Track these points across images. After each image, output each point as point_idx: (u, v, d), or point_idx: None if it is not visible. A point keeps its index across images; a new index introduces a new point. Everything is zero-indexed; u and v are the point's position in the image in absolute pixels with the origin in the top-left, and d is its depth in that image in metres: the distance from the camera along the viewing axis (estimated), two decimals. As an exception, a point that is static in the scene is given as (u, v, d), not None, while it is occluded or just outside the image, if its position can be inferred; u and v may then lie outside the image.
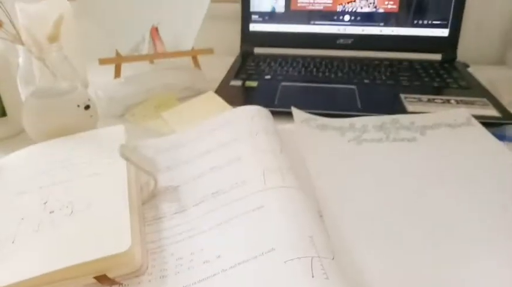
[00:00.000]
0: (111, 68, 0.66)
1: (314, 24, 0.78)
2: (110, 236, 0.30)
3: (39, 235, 0.31)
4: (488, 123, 0.50)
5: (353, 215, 0.35)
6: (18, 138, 0.52)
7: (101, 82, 0.61)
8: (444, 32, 0.75)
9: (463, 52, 0.76)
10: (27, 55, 0.57)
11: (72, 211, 0.33)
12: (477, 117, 0.50)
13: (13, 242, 0.30)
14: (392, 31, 0.76)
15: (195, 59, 0.71)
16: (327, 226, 0.32)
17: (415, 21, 0.75)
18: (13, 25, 0.56)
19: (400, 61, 0.74)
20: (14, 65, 0.55)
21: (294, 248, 0.27)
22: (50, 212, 0.33)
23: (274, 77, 0.68)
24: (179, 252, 0.31)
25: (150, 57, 0.72)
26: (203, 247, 0.30)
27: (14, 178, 0.38)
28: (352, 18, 0.77)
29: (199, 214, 0.34)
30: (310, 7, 0.77)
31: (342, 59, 0.75)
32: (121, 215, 0.32)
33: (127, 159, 0.36)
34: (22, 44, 0.56)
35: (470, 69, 0.72)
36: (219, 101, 0.57)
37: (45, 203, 0.34)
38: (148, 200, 0.37)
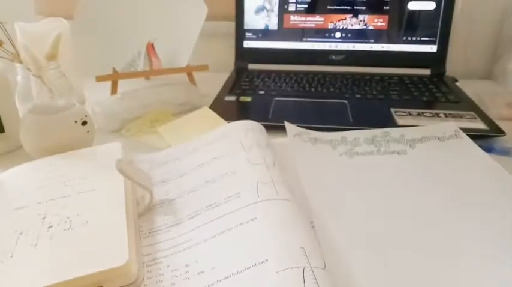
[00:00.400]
0: (108, 84, 0.68)
1: (306, 41, 0.80)
2: (107, 250, 0.30)
3: (38, 250, 0.31)
4: (476, 136, 0.51)
5: (344, 225, 0.36)
6: (16, 154, 0.53)
7: (97, 98, 0.61)
8: (433, 48, 0.77)
9: (452, 67, 0.78)
10: (25, 73, 0.58)
11: (70, 226, 0.33)
12: (465, 130, 0.52)
13: (12, 256, 0.31)
14: (382, 47, 0.78)
15: (190, 75, 0.72)
16: (318, 236, 0.32)
17: (404, 38, 0.77)
18: (12, 44, 0.58)
19: (390, 76, 0.75)
20: (13, 83, 0.56)
21: (286, 259, 0.28)
22: (49, 227, 0.33)
23: (268, 92, 0.69)
24: (175, 264, 0.31)
25: (146, 74, 0.73)
26: (198, 259, 0.31)
27: (13, 193, 0.39)
28: (343, 35, 0.79)
29: (194, 226, 0.35)
30: (303, 25, 0.79)
31: (333, 75, 0.76)
32: (118, 229, 0.32)
33: (123, 173, 0.36)
34: (20, 62, 0.57)
35: (458, 84, 0.73)
36: (214, 116, 0.58)
37: (43, 219, 0.34)
38: (144, 213, 0.38)
